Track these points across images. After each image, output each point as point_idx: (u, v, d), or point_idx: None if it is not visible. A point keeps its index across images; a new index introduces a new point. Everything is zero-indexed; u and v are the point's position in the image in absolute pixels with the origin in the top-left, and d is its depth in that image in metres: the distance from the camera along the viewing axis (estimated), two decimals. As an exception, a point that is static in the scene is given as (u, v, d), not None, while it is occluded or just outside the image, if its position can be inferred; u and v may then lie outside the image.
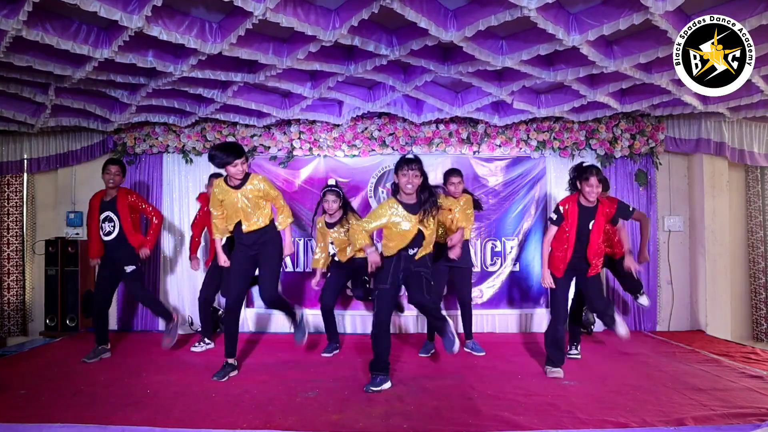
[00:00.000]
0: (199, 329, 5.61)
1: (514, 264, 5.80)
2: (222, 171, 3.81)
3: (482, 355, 4.61)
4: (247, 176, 3.82)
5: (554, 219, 3.93)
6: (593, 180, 3.75)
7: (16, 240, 6.15)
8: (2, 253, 6.13)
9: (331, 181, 4.72)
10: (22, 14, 3.10)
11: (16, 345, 5.57)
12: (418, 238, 3.64)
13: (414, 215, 3.59)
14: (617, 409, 3.19)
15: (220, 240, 4.01)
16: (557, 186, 5.79)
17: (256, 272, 4.01)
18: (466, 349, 4.68)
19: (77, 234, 5.96)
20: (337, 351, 4.77)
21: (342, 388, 3.65)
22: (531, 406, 3.27)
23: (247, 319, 5.78)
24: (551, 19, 3.38)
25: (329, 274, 4.77)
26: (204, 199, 4.98)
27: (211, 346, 4.90)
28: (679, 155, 5.99)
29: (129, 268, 4.48)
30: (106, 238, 4.45)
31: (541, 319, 5.74)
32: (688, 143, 5.80)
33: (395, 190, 3.69)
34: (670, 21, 3.31)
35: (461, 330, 4.74)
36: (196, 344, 4.87)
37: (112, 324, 5.93)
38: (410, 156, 3.68)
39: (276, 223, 3.95)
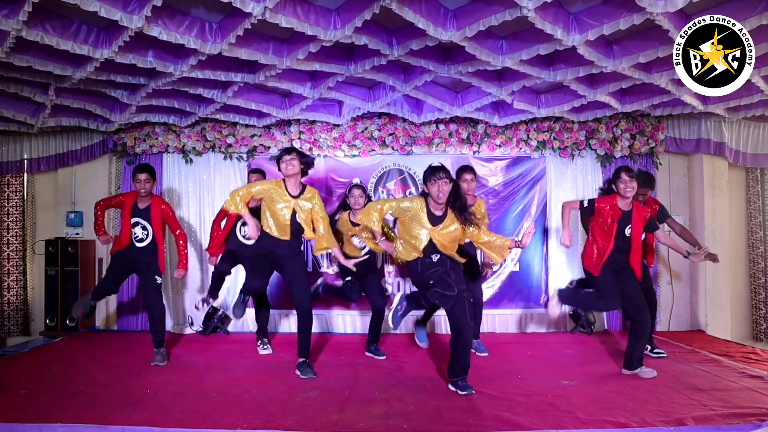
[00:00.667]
0: (200, 330, 5.62)
1: (515, 264, 5.80)
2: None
3: (484, 356, 4.60)
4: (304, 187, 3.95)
5: (585, 205, 3.96)
6: (624, 175, 3.81)
7: (16, 240, 6.15)
8: (2, 253, 6.13)
9: (356, 180, 4.76)
10: (22, 14, 3.09)
11: (16, 345, 5.57)
12: (433, 247, 3.58)
13: (433, 226, 3.55)
14: (617, 409, 3.19)
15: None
16: (557, 186, 5.80)
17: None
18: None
19: (77, 234, 5.96)
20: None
21: (342, 388, 3.65)
22: (531, 406, 3.27)
23: (247, 318, 5.78)
24: (550, 19, 3.38)
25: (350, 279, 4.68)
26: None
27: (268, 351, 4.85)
28: (679, 155, 5.99)
29: (159, 279, 4.49)
30: (137, 244, 4.42)
31: (541, 319, 5.74)
32: (688, 143, 5.80)
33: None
34: (672, 21, 3.31)
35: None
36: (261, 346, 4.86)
37: (112, 324, 5.95)
38: (437, 164, 3.61)
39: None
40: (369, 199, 4.60)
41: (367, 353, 4.63)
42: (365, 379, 3.87)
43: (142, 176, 4.36)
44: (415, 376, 3.96)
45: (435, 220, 3.56)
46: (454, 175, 4.58)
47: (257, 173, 4.88)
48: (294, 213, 3.84)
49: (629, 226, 3.90)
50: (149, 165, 4.53)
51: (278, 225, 3.86)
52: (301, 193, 3.89)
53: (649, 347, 4.50)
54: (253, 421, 3.02)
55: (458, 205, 3.55)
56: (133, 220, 4.41)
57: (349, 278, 4.61)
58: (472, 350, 4.65)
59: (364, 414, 3.14)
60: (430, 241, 3.55)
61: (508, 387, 3.64)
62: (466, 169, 4.59)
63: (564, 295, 4.27)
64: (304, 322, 3.97)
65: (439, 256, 3.58)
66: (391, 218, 4.17)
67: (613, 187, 3.92)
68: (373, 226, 3.69)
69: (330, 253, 4.71)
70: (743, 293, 6.10)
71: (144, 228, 4.42)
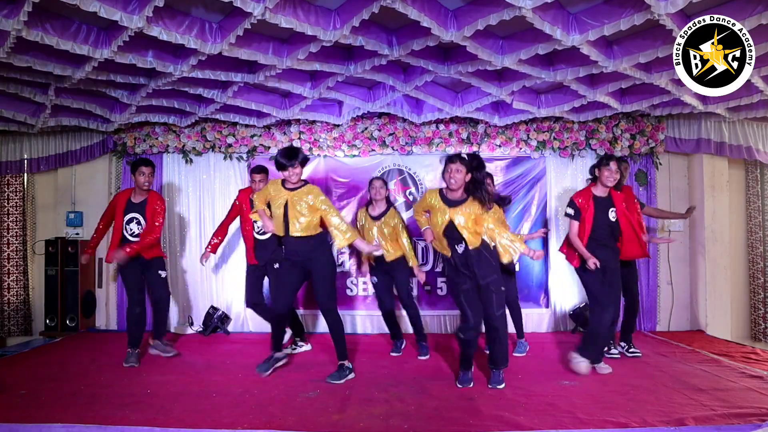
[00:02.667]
0: (200, 330, 5.63)
1: (515, 264, 5.79)
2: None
3: (522, 356, 4.58)
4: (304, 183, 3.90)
5: (572, 214, 4.00)
6: (613, 165, 3.91)
7: (16, 240, 6.15)
8: (2, 253, 6.13)
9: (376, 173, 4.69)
10: (22, 14, 3.09)
11: (16, 345, 5.58)
12: (454, 232, 3.59)
13: (450, 208, 3.59)
14: (617, 409, 3.19)
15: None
16: (557, 186, 5.80)
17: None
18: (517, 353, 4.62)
19: (77, 234, 5.96)
20: (404, 346, 4.77)
21: (342, 388, 3.65)
22: (531, 406, 3.27)
23: (248, 318, 5.78)
24: (548, 19, 3.38)
25: (376, 279, 4.66)
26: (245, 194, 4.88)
27: (308, 347, 4.86)
28: (679, 155, 5.99)
29: (163, 273, 4.48)
30: (133, 240, 4.36)
31: (540, 318, 5.75)
32: (688, 143, 5.80)
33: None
34: (674, 21, 3.31)
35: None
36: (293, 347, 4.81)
37: (112, 324, 5.95)
38: (453, 154, 3.69)
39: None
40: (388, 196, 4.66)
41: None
42: (365, 379, 3.87)
43: (147, 169, 4.34)
44: (415, 376, 3.96)
45: (452, 203, 3.61)
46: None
47: (261, 173, 4.73)
48: (287, 204, 3.81)
49: (613, 209, 3.97)
50: (150, 160, 4.53)
51: (275, 219, 3.86)
52: (300, 188, 3.84)
53: (626, 345, 4.58)
54: (254, 421, 3.02)
55: (473, 187, 3.59)
56: (128, 216, 4.37)
57: (374, 278, 4.63)
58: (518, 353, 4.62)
59: (364, 414, 3.14)
60: (450, 224, 3.58)
61: (508, 387, 3.64)
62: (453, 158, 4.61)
63: (586, 349, 3.99)
64: (332, 323, 3.93)
65: (464, 246, 3.59)
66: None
67: (596, 172, 3.99)
68: (422, 227, 3.90)
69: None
70: (743, 293, 6.10)
71: (139, 223, 4.38)
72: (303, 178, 3.96)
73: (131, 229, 4.38)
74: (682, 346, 4.97)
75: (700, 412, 3.10)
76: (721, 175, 5.84)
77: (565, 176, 5.83)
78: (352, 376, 3.90)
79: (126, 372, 4.10)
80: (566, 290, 5.74)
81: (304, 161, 3.84)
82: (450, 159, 3.59)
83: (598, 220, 3.94)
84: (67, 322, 5.71)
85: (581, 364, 3.91)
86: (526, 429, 2.92)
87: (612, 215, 3.97)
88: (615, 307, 4.03)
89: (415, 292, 5.74)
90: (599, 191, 3.99)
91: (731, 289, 5.88)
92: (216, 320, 5.56)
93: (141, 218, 4.38)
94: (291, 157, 3.73)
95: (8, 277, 6.12)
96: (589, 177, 4.15)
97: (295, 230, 3.78)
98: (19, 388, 3.63)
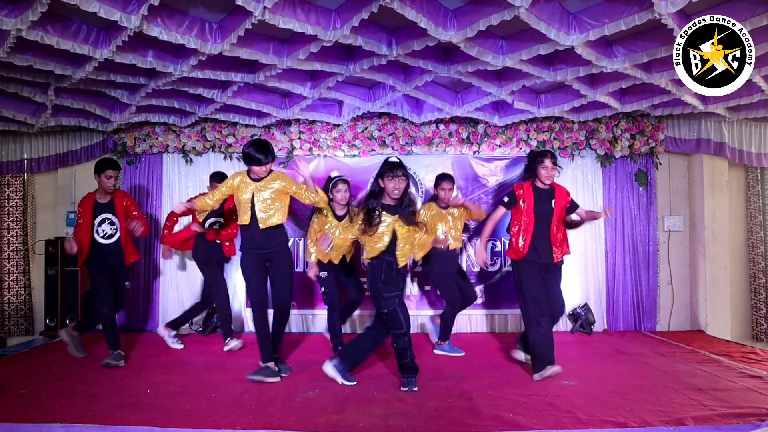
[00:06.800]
0: (200, 330, 5.63)
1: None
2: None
3: (466, 356, 4.63)
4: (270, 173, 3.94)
5: (506, 201, 4.04)
6: (548, 162, 3.93)
7: (16, 240, 6.15)
8: (2, 253, 6.13)
9: (335, 174, 4.69)
10: (33, 14, 3.08)
11: (16, 345, 5.58)
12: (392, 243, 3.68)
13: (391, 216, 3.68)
14: (617, 409, 3.19)
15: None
16: (557, 186, 5.79)
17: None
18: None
19: (77, 234, 5.96)
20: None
21: (342, 388, 3.65)
22: (531, 406, 3.27)
23: (247, 318, 5.78)
24: (545, 19, 3.37)
25: (327, 274, 4.64)
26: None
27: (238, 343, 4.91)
28: (679, 155, 5.99)
29: (127, 284, 4.53)
30: (105, 242, 4.39)
31: (541, 319, 5.74)
32: (688, 143, 5.80)
33: (376, 194, 3.71)
34: (674, 20, 3.31)
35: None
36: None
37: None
38: (394, 159, 3.74)
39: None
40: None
41: (436, 351, 4.74)
42: (365, 379, 3.86)
43: (114, 173, 4.38)
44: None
45: (390, 210, 3.71)
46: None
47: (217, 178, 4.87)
48: (253, 196, 3.82)
49: (554, 200, 3.98)
50: (115, 160, 4.55)
51: (241, 209, 3.86)
52: (264, 178, 3.88)
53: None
54: (254, 421, 3.02)
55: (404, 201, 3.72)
56: (99, 218, 4.38)
57: (324, 287, 4.67)
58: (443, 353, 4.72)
59: (364, 414, 3.14)
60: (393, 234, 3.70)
61: (508, 387, 3.64)
62: (446, 177, 4.75)
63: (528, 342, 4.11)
64: (282, 321, 4.05)
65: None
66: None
67: (534, 170, 4.00)
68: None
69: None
70: (743, 293, 6.10)
71: (111, 223, 4.40)
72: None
73: (104, 231, 4.40)
74: (682, 346, 4.97)
75: (700, 412, 3.10)
76: (721, 175, 5.83)
77: (565, 176, 5.80)
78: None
79: (126, 372, 4.10)
80: (565, 291, 5.71)
81: (274, 158, 3.90)
82: (398, 165, 3.72)
83: (539, 211, 3.99)
84: (67, 322, 5.70)
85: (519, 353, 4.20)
86: (526, 429, 2.92)
87: (552, 204, 4.00)
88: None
89: (415, 292, 5.75)
90: (540, 184, 4.01)
91: (731, 289, 5.88)
92: (216, 320, 5.56)
93: (114, 218, 4.40)
94: (267, 152, 3.77)
95: (8, 277, 6.12)
96: (526, 166, 4.23)
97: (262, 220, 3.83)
98: (19, 388, 3.64)
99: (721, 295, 5.77)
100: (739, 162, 5.80)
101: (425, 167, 5.85)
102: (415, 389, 3.59)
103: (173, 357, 4.58)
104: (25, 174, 6.14)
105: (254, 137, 5.77)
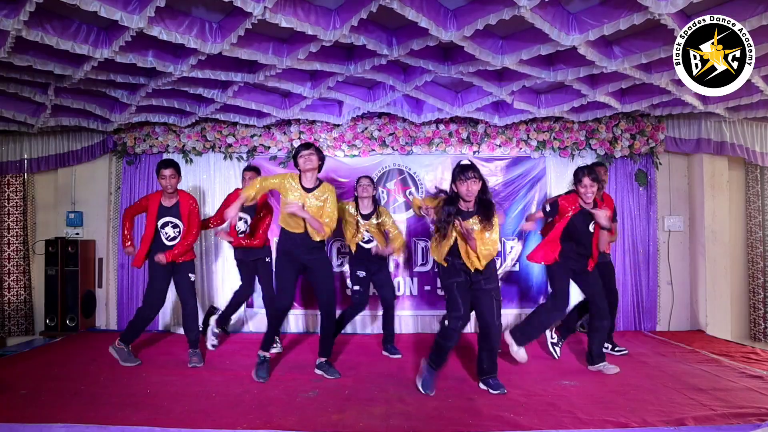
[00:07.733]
0: (200, 330, 5.62)
1: (514, 264, 5.79)
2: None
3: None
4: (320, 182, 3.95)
5: (548, 210, 4.00)
6: (586, 180, 3.83)
7: (16, 240, 6.15)
8: (2, 253, 6.13)
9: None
10: (23, 14, 3.09)
11: (16, 345, 5.58)
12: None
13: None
14: (617, 409, 3.19)
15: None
16: (557, 186, 5.79)
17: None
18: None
19: (77, 234, 5.96)
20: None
21: (342, 388, 3.65)
22: (531, 406, 3.27)
23: (247, 318, 5.78)
24: (548, 19, 3.38)
25: (364, 275, 4.65)
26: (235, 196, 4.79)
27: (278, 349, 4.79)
28: (679, 155, 5.99)
29: (192, 277, 4.42)
30: (169, 244, 4.27)
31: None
32: (688, 143, 5.80)
33: (452, 199, 3.52)
34: (674, 20, 3.31)
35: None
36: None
37: (112, 324, 5.95)
38: (465, 162, 3.51)
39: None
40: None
41: (384, 353, 4.66)
42: (365, 379, 3.87)
43: (167, 171, 4.20)
44: (415, 376, 3.95)
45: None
46: (445, 179, 4.76)
47: (252, 171, 4.82)
48: (303, 206, 3.79)
49: (593, 222, 3.94)
50: (173, 160, 4.35)
51: (291, 216, 3.82)
52: (316, 188, 3.87)
53: (609, 346, 4.57)
54: (254, 421, 3.02)
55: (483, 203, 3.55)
56: (162, 220, 4.28)
57: (358, 286, 4.62)
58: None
59: (364, 414, 3.14)
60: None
61: (508, 387, 3.63)
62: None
63: (518, 334, 4.06)
64: (329, 325, 3.97)
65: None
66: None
67: (575, 188, 3.97)
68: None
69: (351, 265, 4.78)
70: (743, 293, 6.10)
71: (175, 226, 4.31)
72: (308, 217, 3.84)
73: (167, 234, 4.29)
74: (682, 346, 4.97)
75: (700, 412, 3.10)
76: (721, 175, 5.84)
77: (565, 176, 5.82)
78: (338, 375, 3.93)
79: (126, 372, 4.10)
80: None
81: (323, 160, 3.97)
82: (469, 167, 3.46)
83: (580, 231, 3.97)
84: (67, 322, 5.71)
85: (520, 351, 3.98)
86: (526, 429, 2.92)
87: (591, 228, 3.96)
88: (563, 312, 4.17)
89: (415, 292, 5.75)
90: (583, 203, 3.94)
91: (731, 289, 5.88)
92: (215, 322, 5.54)
93: (177, 221, 4.29)
94: (307, 145, 3.86)
95: (8, 277, 6.12)
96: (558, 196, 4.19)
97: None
98: (19, 388, 3.63)
99: (721, 295, 5.77)
100: (746, 158, 5.78)
101: (425, 167, 5.85)
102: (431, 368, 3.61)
103: (173, 357, 4.57)
104: (25, 174, 6.14)
105: (254, 137, 5.79)
